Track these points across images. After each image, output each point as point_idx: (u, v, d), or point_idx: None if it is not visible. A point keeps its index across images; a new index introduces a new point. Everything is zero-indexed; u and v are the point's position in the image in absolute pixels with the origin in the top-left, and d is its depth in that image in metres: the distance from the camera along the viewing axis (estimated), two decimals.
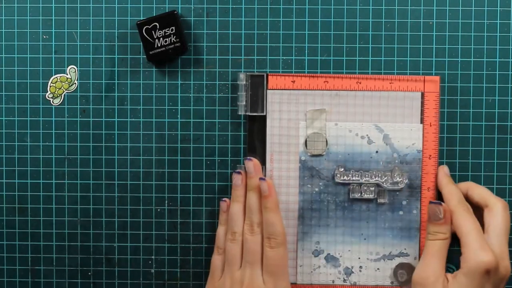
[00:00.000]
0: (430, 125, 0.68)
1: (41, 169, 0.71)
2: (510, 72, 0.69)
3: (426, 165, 0.68)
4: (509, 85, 0.69)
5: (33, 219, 0.71)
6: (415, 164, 0.68)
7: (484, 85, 0.69)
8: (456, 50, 0.69)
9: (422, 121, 0.68)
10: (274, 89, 0.68)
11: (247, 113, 0.68)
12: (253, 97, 0.68)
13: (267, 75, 0.68)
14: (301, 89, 0.68)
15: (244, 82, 0.68)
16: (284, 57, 0.69)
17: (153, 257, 0.71)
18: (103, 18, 0.70)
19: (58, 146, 0.70)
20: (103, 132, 0.70)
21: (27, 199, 0.71)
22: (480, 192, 0.66)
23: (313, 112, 0.68)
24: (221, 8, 0.70)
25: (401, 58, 0.69)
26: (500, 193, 0.69)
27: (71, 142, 0.70)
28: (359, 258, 0.69)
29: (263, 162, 0.69)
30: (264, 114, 0.69)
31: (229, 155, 0.70)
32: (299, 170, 0.69)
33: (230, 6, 0.70)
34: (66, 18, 0.70)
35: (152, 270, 0.71)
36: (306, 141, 0.68)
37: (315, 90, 0.68)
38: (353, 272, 0.69)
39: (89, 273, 0.71)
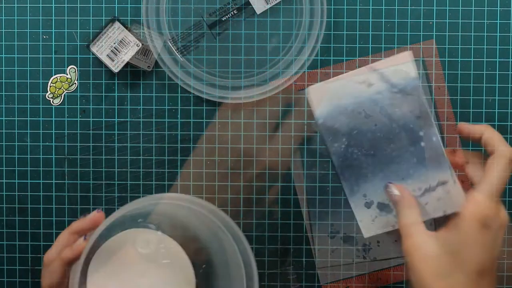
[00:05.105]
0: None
1: (41, 169, 0.71)
2: (510, 72, 0.69)
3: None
4: (509, 85, 0.69)
5: (33, 219, 0.71)
6: (416, 93, 0.66)
7: (484, 85, 0.69)
8: (456, 50, 0.69)
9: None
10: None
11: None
12: None
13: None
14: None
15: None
16: (284, 57, 0.69)
17: None
18: (103, 18, 0.70)
19: (58, 146, 0.70)
20: (103, 132, 0.70)
21: (27, 199, 0.71)
22: (491, 137, 0.63)
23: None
24: (221, 8, 0.70)
25: None
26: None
27: (71, 142, 0.70)
28: None
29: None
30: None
31: (229, 155, 0.70)
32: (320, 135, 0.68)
33: (230, 6, 0.70)
34: (66, 18, 0.70)
35: None
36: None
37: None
38: None
39: None
